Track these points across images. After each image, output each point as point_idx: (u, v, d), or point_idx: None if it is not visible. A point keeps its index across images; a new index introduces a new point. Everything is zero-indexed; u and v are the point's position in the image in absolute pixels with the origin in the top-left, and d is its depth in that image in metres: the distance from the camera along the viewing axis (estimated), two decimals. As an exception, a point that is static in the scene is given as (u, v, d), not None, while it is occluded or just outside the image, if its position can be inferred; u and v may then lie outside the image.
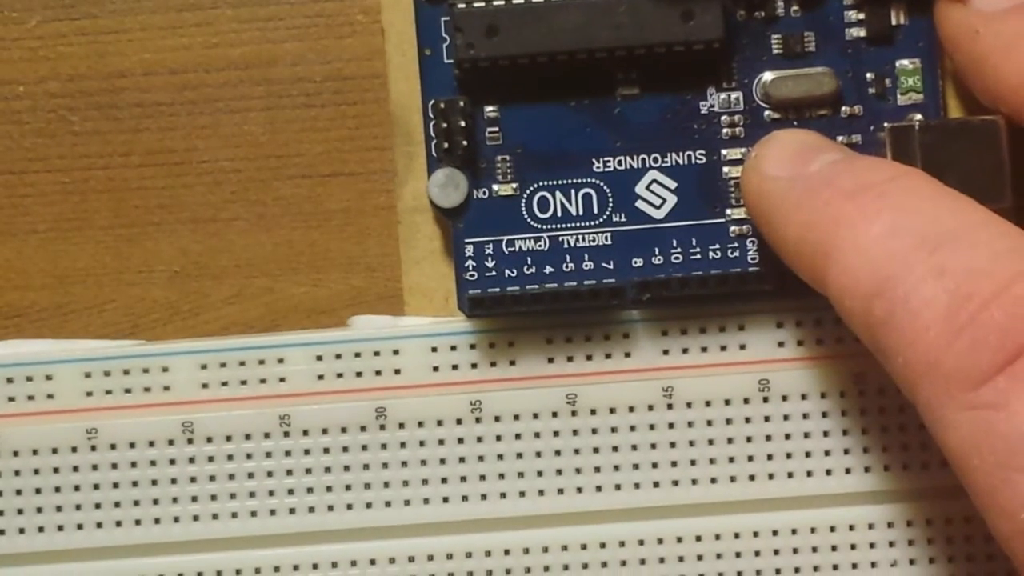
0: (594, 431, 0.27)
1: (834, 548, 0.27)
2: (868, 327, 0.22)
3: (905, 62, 0.27)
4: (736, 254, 0.27)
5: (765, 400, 0.27)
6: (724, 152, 0.27)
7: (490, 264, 0.27)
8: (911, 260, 0.22)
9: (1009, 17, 0.25)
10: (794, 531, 0.27)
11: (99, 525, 0.27)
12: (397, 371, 0.27)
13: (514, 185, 0.27)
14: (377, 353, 0.27)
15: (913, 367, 0.21)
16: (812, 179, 0.24)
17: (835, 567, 0.27)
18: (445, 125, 0.26)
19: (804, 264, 0.24)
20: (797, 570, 0.27)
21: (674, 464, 0.27)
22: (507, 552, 0.27)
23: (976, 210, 0.22)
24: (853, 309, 0.22)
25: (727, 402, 0.27)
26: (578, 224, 0.27)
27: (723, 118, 0.27)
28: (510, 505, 0.27)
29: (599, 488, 0.27)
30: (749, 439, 0.27)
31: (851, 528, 0.27)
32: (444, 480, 0.27)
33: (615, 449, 0.27)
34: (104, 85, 0.28)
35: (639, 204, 0.27)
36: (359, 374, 0.27)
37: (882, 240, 0.22)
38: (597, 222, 0.27)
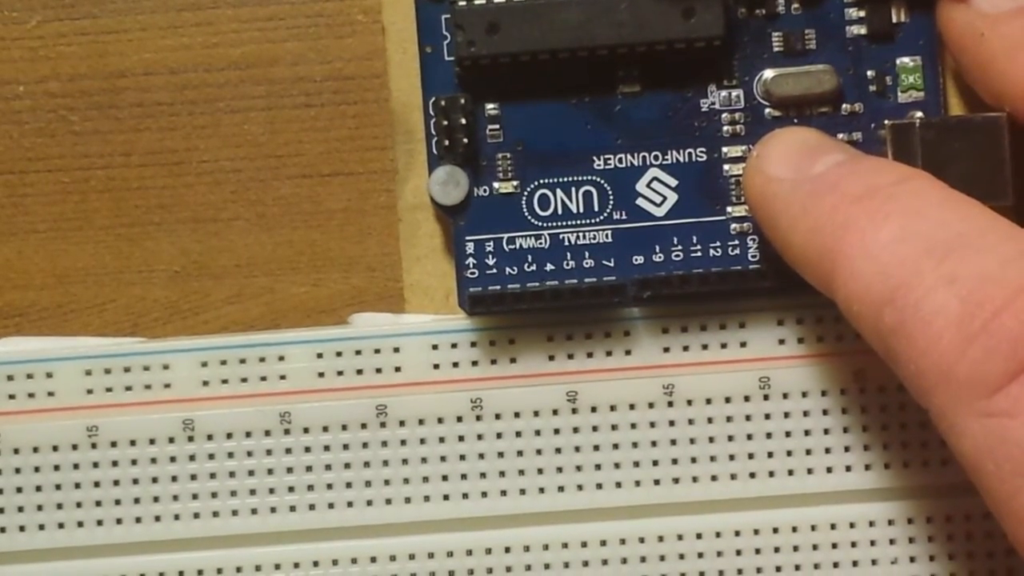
0: (595, 429, 0.27)
1: (834, 545, 0.27)
2: (878, 333, 0.22)
3: (906, 59, 0.27)
4: (737, 252, 0.27)
5: (765, 398, 0.27)
6: (725, 150, 0.27)
7: (491, 262, 0.27)
8: (921, 267, 0.22)
9: (1014, 19, 0.25)
10: (794, 528, 0.27)
11: (99, 523, 0.27)
12: (398, 369, 0.27)
13: (515, 183, 0.27)
14: (378, 351, 0.27)
15: (926, 375, 0.21)
16: (817, 182, 0.24)
17: (835, 564, 0.27)
18: (446, 123, 0.26)
19: (811, 268, 0.24)
20: (797, 567, 0.27)
21: (674, 462, 0.27)
22: (507, 549, 0.27)
23: (983, 213, 0.22)
24: (863, 315, 0.22)
25: (727, 400, 0.27)
26: (579, 222, 0.27)
27: (724, 116, 0.27)
28: (510, 502, 0.27)
29: (599, 486, 0.27)
30: (749, 437, 0.27)
31: (851, 525, 0.27)
32: (444, 478, 0.27)
33: (615, 447, 0.27)
34: (104, 85, 0.28)
35: (640, 202, 0.27)
36: (360, 372, 0.27)
37: (891, 246, 0.22)
38: (598, 220, 0.27)
